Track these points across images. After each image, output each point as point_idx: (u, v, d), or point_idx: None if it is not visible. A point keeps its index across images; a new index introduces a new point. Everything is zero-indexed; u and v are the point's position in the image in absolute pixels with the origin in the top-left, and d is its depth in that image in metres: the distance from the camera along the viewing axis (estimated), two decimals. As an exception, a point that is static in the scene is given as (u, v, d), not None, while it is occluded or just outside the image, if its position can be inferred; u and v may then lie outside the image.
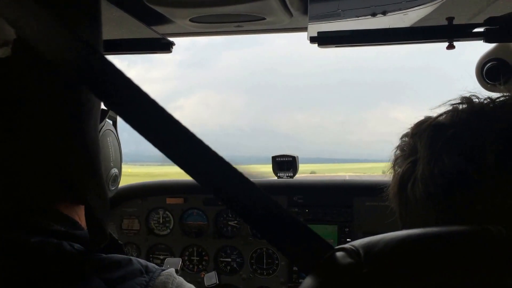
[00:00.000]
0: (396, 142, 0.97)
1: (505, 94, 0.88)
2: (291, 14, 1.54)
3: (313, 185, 2.82)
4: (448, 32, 1.58)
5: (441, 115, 0.89)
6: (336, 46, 1.65)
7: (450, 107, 0.88)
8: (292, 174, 2.89)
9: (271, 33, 1.74)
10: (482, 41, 1.61)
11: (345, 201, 2.67)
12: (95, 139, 0.79)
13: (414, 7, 1.53)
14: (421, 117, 0.92)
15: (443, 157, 0.82)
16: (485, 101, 0.86)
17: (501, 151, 0.77)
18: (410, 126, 0.94)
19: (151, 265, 0.85)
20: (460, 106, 0.87)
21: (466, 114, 0.84)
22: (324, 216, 2.69)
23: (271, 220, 0.63)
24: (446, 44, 1.62)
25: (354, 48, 1.69)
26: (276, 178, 2.93)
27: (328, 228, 2.69)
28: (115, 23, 1.59)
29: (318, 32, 1.60)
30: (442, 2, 1.48)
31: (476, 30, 1.60)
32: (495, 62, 1.94)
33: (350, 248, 0.66)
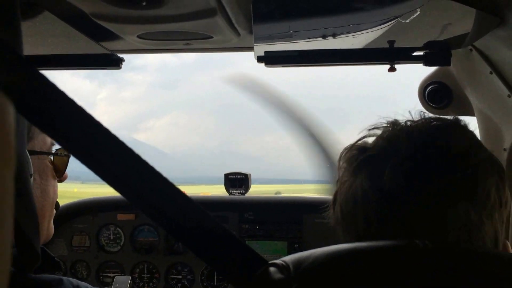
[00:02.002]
0: None
1: (421, 118, 0.91)
2: (238, 34, 1.57)
3: (264, 202, 2.85)
4: (389, 55, 1.65)
5: (364, 137, 0.92)
6: (283, 66, 1.69)
7: (379, 130, 0.92)
8: (244, 191, 2.90)
9: (220, 51, 1.77)
10: (422, 64, 1.69)
11: (295, 218, 2.71)
12: (22, 151, 0.76)
13: (360, 30, 1.59)
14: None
15: (358, 179, 0.85)
16: (405, 124, 0.89)
17: (409, 173, 0.80)
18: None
19: (83, 284, 0.82)
20: (385, 129, 0.90)
21: (385, 137, 0.87)
22: (275, 232, 2.72)
23: (201, 234, 0.61)
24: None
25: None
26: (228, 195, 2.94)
27: (278, 245, 2.71)
28: (64, 38, 1.58)
29: (265, 52, 1.64)
30: (387, 27, 1.55)
31: (416, 53, 1.67)
32: (436, 85, 2.02)
33: (281, 263, 0.67)
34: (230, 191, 2.93)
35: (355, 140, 0.92)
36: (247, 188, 2.93)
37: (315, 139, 2.34)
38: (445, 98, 2.01)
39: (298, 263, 0.67)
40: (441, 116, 0.94)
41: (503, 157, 1.75)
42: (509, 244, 0.90)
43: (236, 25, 1.48)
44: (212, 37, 1.50)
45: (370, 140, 0.90)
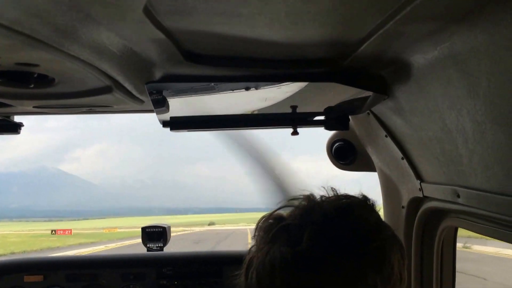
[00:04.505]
0: (297, 191, 1.03)
1: (334, 194, 0.97)
2: (141, 101, 1.56)
3: (182, 256, 2.80)
4: (292, 120, 1.71)
5: (279, 208, 0.97)
6: (188, 131, 1.70)
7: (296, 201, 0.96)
8: (162, 245, 2.84)
9: (125, 113, 1.76)
10: (323, 128, 1.76)
11: (215, 271, 2.67)
12: None
13: (264, 96, 1.63)
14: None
15: (276, 245, 0.89)
16: (320, 199, 0.95)
17: (326, 242, 0.86)
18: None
19: None
20: (301, 202, 0.96)
21: (300, 209, 0.93)
22: (194, 287, 2.67)
23: None
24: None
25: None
26: (146, 250, 2.87)
27: (197, 300, 2.66)
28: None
29: (171, 117, 1.64)
30: (290, 93, 1.61)
31: (317, 118, 1.74)
32: (342, 143, 2.11)
33: None
34: (148, 245, 2.86)
35: (270, 212, 0.97)
36: (165, 241, 2.87)
37: (264, 166, 2.36)
38: (350, 155, 2.10)
39: None
40: (351, 194, 1.00)
41: (402, 214, 1.84)
42: None
43: (138, 96, 1.47)
44: (112, 106, 1.49)
45: (285, 212, 0.95)
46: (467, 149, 1.21)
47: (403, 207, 1.84)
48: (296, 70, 1.34)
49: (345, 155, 2.11)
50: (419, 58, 1.15)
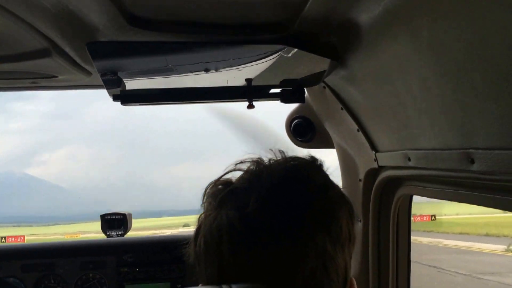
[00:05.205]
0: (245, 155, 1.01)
1: (282, 157, 0.95)
2: (89, 73, 1.52)
3: (144, 241, 2.75)
4: (247, 93, 1.69)
5: (227, 173, 0.94)
6: (140, 104, 1.66)
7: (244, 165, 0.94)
8: (122, 232, 2.79)
9: (71, 89, 1.70)
10: (279, 101, 1.75)
11: (177, 256, 2.63)
12: None
13: (219, 69, 1.61)
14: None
15: (223, 210, 0.87)
16: (268, 162, 0.93)
17: (273, 204, 0.84)
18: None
19: None
20: (250, 166, 0.93)
21: (248, 173, 0.91)
22: (156, 273, 2.62)
23: None
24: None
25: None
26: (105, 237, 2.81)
27: (160, 287, 2.61)
28: None
29: (121, 90, 1.60)
30: (245, 66, 1.59)
31: (273, 91, 1.73)
32: (300, 120, 2.10)
33: None
34: (108, 233, 2.80)
35: (218, 177, 0.94)
36: (126, 228, 2.82)
37: None
38: (309, 132, 2.09)
39: None
40: (298, 156, 0.99)
41: (359, 188, 1.85)
42: (354, 280, 0.95)
43: (83, 65, 1.43)
44: (56, 76, 1.44)
45: (234, 176, 0.93)
46: (415, 110, 1.22)
47: (360, 180, 1.85)
48: (246, 36, 1.32)
49: (304, 132, 2.10)
50: (366, 19, 1.15)
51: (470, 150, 1.00)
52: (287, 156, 0.97)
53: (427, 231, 33.37)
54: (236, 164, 0.95)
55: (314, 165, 0.96)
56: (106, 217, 2.78)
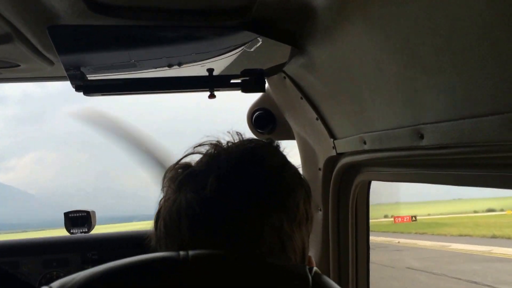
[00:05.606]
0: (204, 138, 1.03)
1: (240, 139, 0.98)
2: (51, 62, 1.51)
3: (108, 238, 2.72)
4: (209, 82, 1.71)
5: (186, 155, 0.96)
6: (102, 95, 1.66)
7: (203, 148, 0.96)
8: (86, 230, 2.76)
9: (33, 81, 1.69)
10: (240, 91, 1.78)
11: (142, 252, 2.62)
12: None
13: (180, 60, 1.63)
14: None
15: (182, 193, 0.88)
16: (226, 144, 0.96)
17: (230, 184, 0.87)
18: None
19: None
20: (208, 149, 0.96)
21: (207, 156, 0.93)
22: (121, 271, 2.60)
23: None
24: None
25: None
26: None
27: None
28: None
29: (83, 80, 1.60)
30: (207, 56, 1.61)
31: (234, 81, 1.76)
32: (261, 112, 2.14)
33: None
34: (72, 231, 2.76)
35: (177, 160, 0.96)
36: (90, 226, 2.79)
37: (159, 164, 2.34)
38: (270, 124, 2.13)
39: (61, 286, 0.72)
40: (256, 138, 1.03)
41: (319, 177, 1.90)
42: (312, 258, 0.99)
43: (45, 53, 1.43)
44: (19, 65, 1.43)
45: (194, 160, 0.95)
46: (370, 92, 1.27)
47: (320, 169, 1.89)
48: (205, 21, 1.34)
49: (265, 124, 2.14)
50: (322, 3, 1.19)
51: (420, 126, 1.06)
52: (244, 138, 1.00)
53: (420, 233, 32.05)
54: (195, 147, 0.97)
55: (270, 146, 0.99)
56: (70, 215, 2.75)
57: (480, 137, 0.83)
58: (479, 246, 22.81)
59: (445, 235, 30.85)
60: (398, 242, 26.59)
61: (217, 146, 0.95)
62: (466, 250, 21.78)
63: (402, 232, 33.44)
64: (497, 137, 0.78)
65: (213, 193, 0.85)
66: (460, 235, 29.49)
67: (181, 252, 0.76)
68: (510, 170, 0.94)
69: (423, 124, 1.04)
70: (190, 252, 0.76)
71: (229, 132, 1.00)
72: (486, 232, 29.37)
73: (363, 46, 1.16)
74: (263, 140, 1.00)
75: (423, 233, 32.30)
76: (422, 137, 1.06)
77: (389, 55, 1.06)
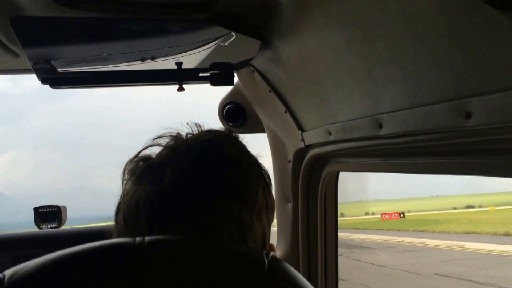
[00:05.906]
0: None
1: (199, 131, 0.98)
2: (16, 55, 1.50)
3: (80, 232, 2.70)
4: (177, 75, 1.73)
5: (146, 148, 0.96)
6: (70, 87, 1.66)
7: (162, 141, 0.96)
8: (57, 225, 2.73)
9: (3, 73, 1.67)
10: (209, 84, 1.80)
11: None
12: None
13: (149, 53, 1.64)
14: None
15: (141, 185, 0.88)
16: (185, 136, 0.95)
17: (188, 175, 0.86)
18: None
19: None
20: (168, 141, 0.95)
21: (166, 148, 0.93)
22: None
23: None
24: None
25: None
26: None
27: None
28: None
29: (49, 73, 1.59)
30: (175, 49, 1.62)
31: (203, 74, 1.77)
32: (232, 105, 2.16)
33: (1, 276, 0.70)
34: (42, 227, 2.73)
35: (137, 153, 0.95)
36: (60, 222, 2.76)
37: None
38: (240, 117, 2.15)
39: (13, 273, 0.70)
40: (215, 129, 1.02)
41: (289, 169, 1.93)
42: (274, 246, 1.00)
43: (9, 45, 1.41)
44: (-19, 57, 1.42)
45: (154, 152, 0.94)
46: (333, 84, 1.30)
47: (289, 161, 1.92)
48: (173, 14, 1.36)
49: (236, 117, 2.16)
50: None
51: (378, 115, 1.09)
52: (203, 130, 1.00)
53: (419, 231, 30.61)
54: (154, 139, 0.97)
55: (229, 137, 0.99)
56: (40, 210, 2.72)
57: (431, 125, 0.86)
58: (496, 245, 21.33)
59: (448, 232, 29.75)
60: (403, 241, 25.11)
61: (176, 138, 0.95)
62: (487, 250, 20.34)
63: (398, 230, 32.62)
64: (445, 124, 0.81)
65: (171, 185, 0.85)
66: (466, 233, 28.44)
67: (137, 238, 0.75)
68: (459, 157, 0.98)
69: (381, 113, 1.08)
70: (146, 238, 0.76)
71: (188, 124, 0.99)
72: (492, 230, 28.30)
73: (325, 39, 1.19)
74: (222, 130, 1.00)
75: (422, 231, 31.34)
76: (381, 126, 1.09)
77: (348, 48, 1.09)
